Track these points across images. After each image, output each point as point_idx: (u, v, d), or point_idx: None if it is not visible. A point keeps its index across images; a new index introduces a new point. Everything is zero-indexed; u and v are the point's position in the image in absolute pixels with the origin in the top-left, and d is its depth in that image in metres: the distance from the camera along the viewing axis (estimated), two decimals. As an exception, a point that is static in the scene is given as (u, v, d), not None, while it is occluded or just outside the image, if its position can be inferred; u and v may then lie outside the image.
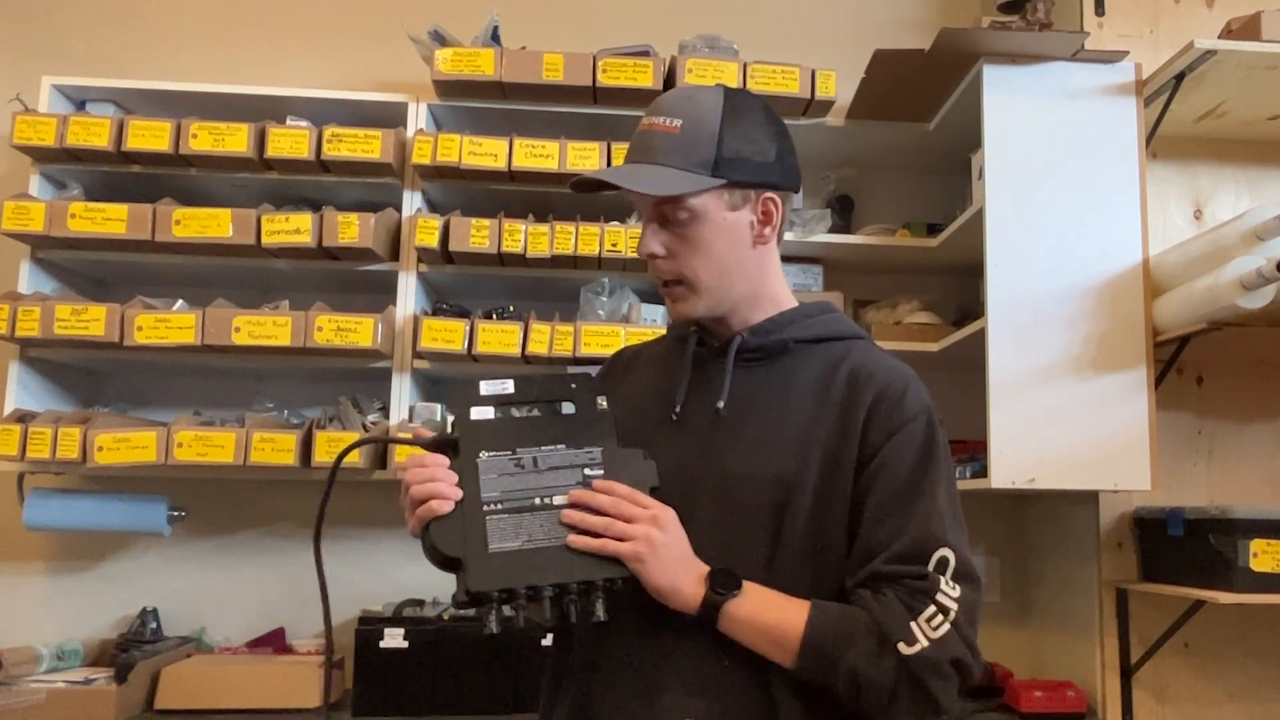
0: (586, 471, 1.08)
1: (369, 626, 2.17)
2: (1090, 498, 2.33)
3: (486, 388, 1.12)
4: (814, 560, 1.08)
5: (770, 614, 1.04)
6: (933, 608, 1.01)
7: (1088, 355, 2.14)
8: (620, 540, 1.02)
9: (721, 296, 1.15)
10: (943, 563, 1.04)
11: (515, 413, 1.12)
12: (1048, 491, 2.29)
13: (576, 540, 1.03)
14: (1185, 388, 2.39)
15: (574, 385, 1.14)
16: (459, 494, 1.04)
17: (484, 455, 1.07)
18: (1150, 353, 2.15)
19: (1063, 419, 2.11)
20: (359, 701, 2.14)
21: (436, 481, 1.04)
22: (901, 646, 1.00)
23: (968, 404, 2.24)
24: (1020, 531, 2.68)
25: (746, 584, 1.04)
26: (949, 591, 1.02)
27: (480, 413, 1.10)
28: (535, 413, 1.13)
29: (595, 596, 1.02)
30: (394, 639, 2.15)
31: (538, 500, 1.05)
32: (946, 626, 1.01)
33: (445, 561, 1.02)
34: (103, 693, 2.01)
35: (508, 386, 1.13)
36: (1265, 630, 2.31)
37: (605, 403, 1.13)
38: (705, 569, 1.05)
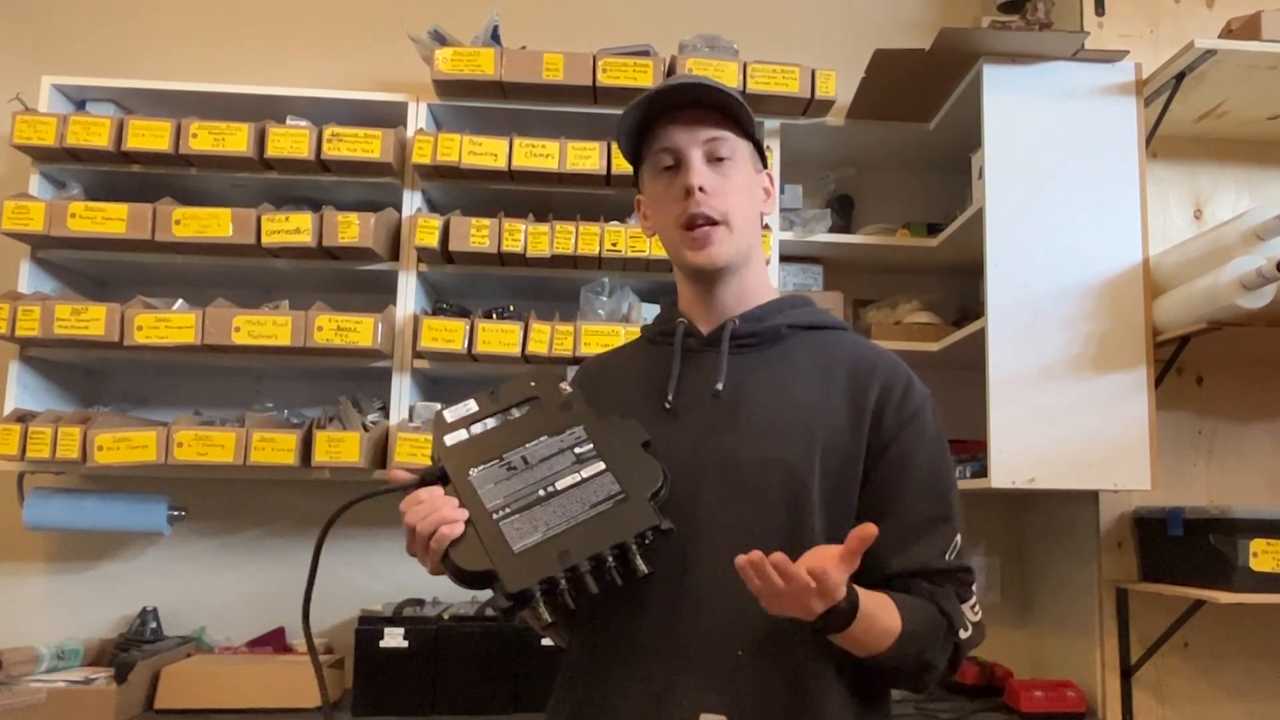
0: (576, 450, 1.10)
1: (369, 626, 2.17)
2: (1090, 497, 2.33)
3: (451, 414, 1.14)
4: (825, 540, 1.09)
5: (875, 626, 1.02)
6: (974, 596, 1.12)
7: (1088, 355, 2.14)
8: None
9: (745, 245, 1.19)
10: (955, 546, 1.12)
11: (486, 426, 1.14)
12: (1048, 491, 2.29)
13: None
14: (1185, 388, 2.39)
15: (533, 383, 1.16)
16: (465, 513, 1.05)
17: (474, 471, 1.09)
18: (1150, 353, 2.15)
19: (1063, 419, 2.11)
20: (359, 701, 2.14)
21: (439, 510, 1.05)
22: (961, 633, 1.09)
23: (968, 404, 2.24)
24: (1020, 531, 2.67)
25: (861, 600, 1.00)
26: (974, 577, 1.14)
27: (455, 437, 1.12)
28: (506, 418, 1.15)
29: (632, 555, 1.02)
30: (394, 639, 2.15)
31: (542, 491, 1.07)
32: (980, 612, 1.13)
33: (475, 579, 1.03)
34: (103, 692, 2.00)
35: (471, 406, 1.15)
36: (1265, 630, 2.31)
37: (569, 386, 1.16)
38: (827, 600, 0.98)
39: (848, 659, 1.06)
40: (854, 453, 1.12)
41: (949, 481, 1.15)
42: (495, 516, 1.05)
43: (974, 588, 1.12)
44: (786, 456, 1.10)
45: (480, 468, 1.09)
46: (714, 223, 1.15)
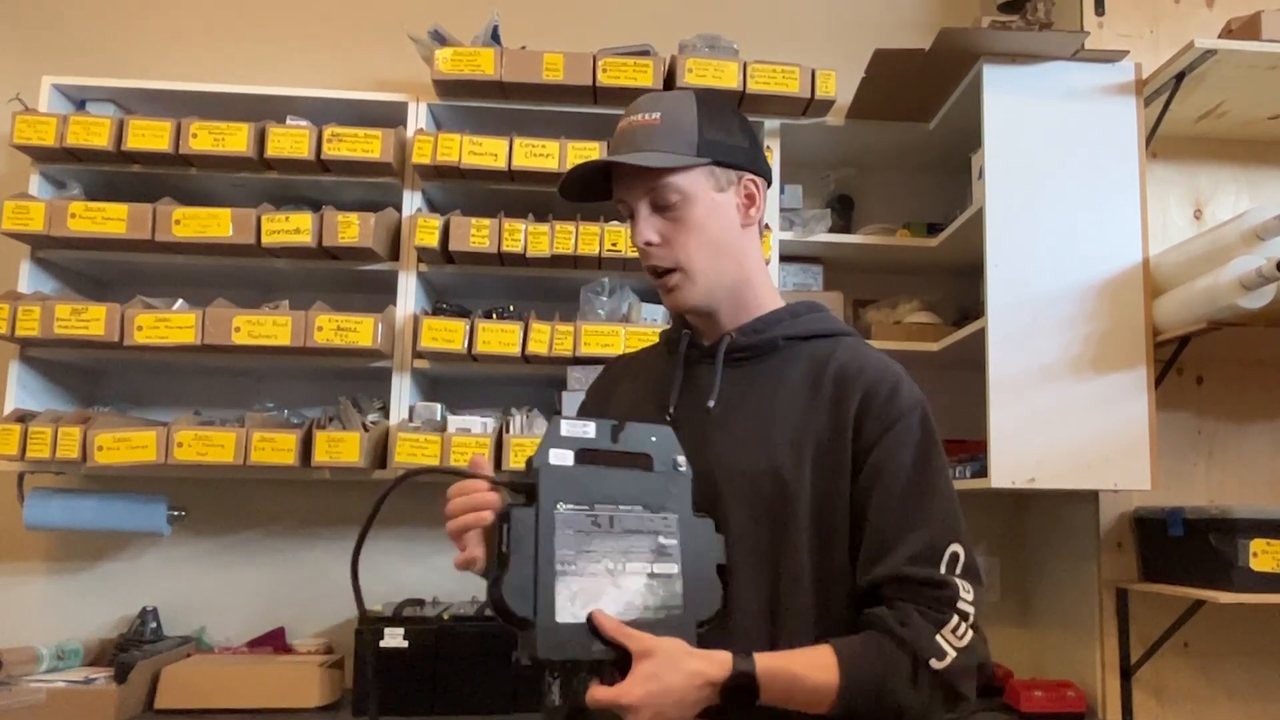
0: (661, 539, 1.04)
1: (369, 626, 2.17)
2: (1090, 497, 2.33)
3: (568, 428, 1.05)
4: (819, 555, 1.09)
5: (798, 688, 1.01)
6: (955, 617, 1.04)
7: (1088, 355, 2.14)
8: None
9: (716, 280, 1.17)
10: (954, 559, 1.06)
11: (593, 460, 1.06)
12: (1048, 491, 2.29)
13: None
14: (1185, 388, 2.39)
15: (654, 439, 1.09)
16: (495, 500, 1.03)
17: (562, 507, 1.01)
18: (1150, 353, 2.15)
19: (1063, 419, 2.11)
20: (359, 701, 2.14)
21: (472, 496, 1.04)
22: (933, 663, 1.01)
23: (968, 404, 2.24)
24: (1020, 531, 2.67)
25: (760, 669, 1.00)
26: (966, 596, 1.04)
27: (559, 456, 1.04)
28: (614, 462, 1.07)
29: None
30: (394, 639, 2.15)
31: (611, 565, 1.02)
32: (970, 634, 1.03)
33: (511, 619, 0.98)
34: (103, 692, 2.00)
35: (589, 430, 1.06)
36: (1265, 630, 2.31)
37: (685, 464, 1.09)
38: (715, 685, 0.99)
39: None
40: (841, 463, 1.10)
41: (932, 489, 1.09)
42: (558, 568, 0.99)
43: (959, 606, 1.03)
44: (775, 468, 1.10)
45: (570, 506, 1.02)
46: (670, 270, 1.16)
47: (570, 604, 0.98)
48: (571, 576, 0.99)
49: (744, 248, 1.20)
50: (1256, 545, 1.99)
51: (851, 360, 1.16)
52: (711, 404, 1.15)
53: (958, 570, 1.06)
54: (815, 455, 1.11)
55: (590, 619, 0.98)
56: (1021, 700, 2.20)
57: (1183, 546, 2.13)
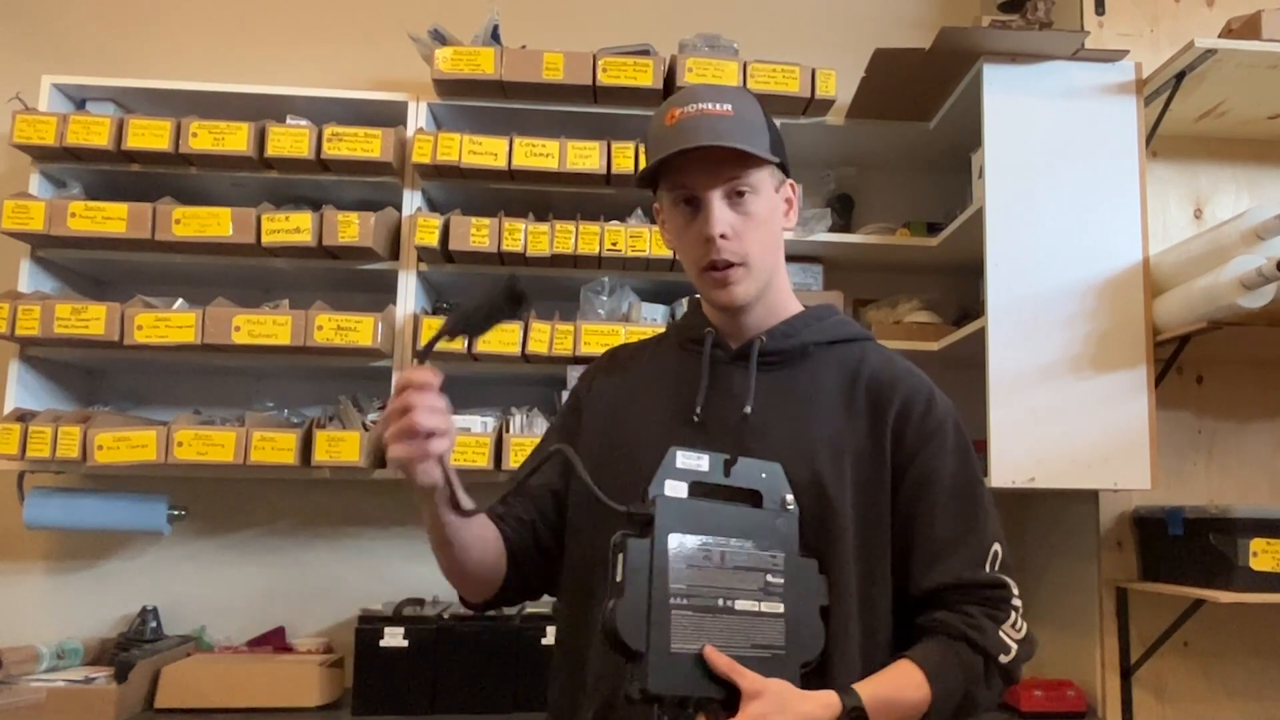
0: (768, 578, 1.04)
1: (369, 626, 2.17)
2: (1090, 497, 2.33)
3: (683, 459, 1.05)
4: (863, 565, 1.10)
5: (898, 709, 1.03)
6: (1013, 613, 1.10)
7: (1088, 354, 2.14)
8: None
9: (766, 276, 1.18)
10: (995, 557, 1.11)
11: (706, 492, 1.06)
12: (1048, 491, 2.29)
13: None
14: (1185, 387, 2.39)
15: (764, 475, 1.08)
16: (445, 428, 1.00)
17: (674, 539, 1.01)
18: (1150, 352, 2.15)
19: (1063, 418, 2.11)
20: (359, 701, 2.14)
21: (414, 411, 0.99)
22: (1002, 658, 1.08)
23: (968, 403, 2.21)
24: (1020, 531, 2.67)
25: (866, 700, 1.01)
26: (1014, 591, 1.11)
27: (674, 488, 1.04)
28: (725, 496, 1.07)
29: None
30: (394, 638, 2.15)
31: (721, 601, 1.01)
32: (1024, 625, 1.11)
33: (621, 649, 0.98)
34: (103, 692, 2.01)
35: (703, 464, 1.06)
36: (1265, 629, 2.31)
37: (793, 502, 1.08)
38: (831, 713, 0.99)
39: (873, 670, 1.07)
40: (880, 474, 1.12)
41: (976, 495, 1.14)
42: (672, 600, 0.99)
43: (1014, 602, 1.10)
44: (816, 476, 1.09)
45: (683, 539, 1.02)
46: (735, 264, 1.14)
47: (683, 639, 0.98)
48: (684, 611, 0.99)
49: (781, 252, 1.22)
50: (1256, 545, 1.99)
51: (883, 369, 1.18)
52: (748, 410, 1.13)
53: (999, 567, 1.11)
54: (855, 465, 1.11)
55: (702, 654, 0.98)
56: (1021, 699, 2.20)
57: (1183, 546, 2.13)
